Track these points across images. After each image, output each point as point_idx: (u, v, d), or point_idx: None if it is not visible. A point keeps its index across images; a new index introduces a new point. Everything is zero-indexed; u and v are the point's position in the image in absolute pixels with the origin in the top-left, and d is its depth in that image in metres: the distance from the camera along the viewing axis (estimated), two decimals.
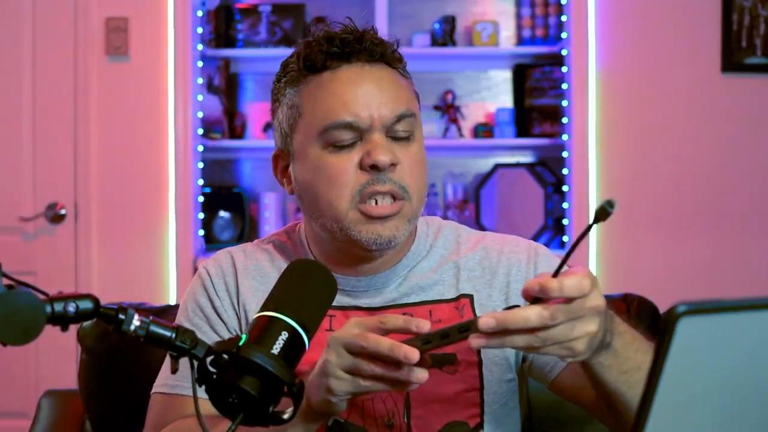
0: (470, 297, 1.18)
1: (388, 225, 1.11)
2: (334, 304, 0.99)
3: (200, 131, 3.20)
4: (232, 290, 1.21)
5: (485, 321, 0.85)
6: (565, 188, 3.14)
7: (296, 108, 1.15)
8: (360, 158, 1.11)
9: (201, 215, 3.19)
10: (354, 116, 1.11)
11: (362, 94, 1.12)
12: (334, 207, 1.12)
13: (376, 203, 1.11)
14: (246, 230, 3.25)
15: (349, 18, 1.17)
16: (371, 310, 1.16)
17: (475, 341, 0.86)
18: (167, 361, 1.21)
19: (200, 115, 3.21)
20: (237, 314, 1.20)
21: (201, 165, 3.22)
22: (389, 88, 1.14)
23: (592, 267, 3.08)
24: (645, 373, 0.92)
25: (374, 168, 1.10)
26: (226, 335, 1.18)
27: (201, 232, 3.18)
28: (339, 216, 1.12)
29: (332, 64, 1.14)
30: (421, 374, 0.93)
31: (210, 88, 3.29)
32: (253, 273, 1.21)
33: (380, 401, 1.13)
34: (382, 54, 1.15)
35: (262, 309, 0.87)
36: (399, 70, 1.18)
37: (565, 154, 3.13)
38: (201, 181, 3.21)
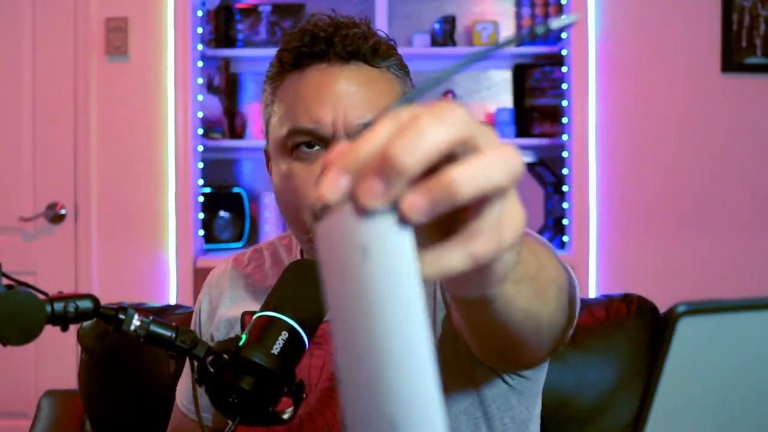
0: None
1: None
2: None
3: (200, 131, 3.20)
4: (215, 301, 1.20)
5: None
6: (565, 188, 3.14)
7: (270, 107, 1.07)
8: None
9: (201, 215, 3.19)
10: (315, 123, 1.00)
11: (327, 98, 1.00)
12: (299, 221, 1.03)
13: None
14: (246, 230, 3.25)
15: (333, 10, 1.06)
16: None
17: (408, 205, 0.42)
18: (186, 369, 1.22)
19: (200, 115, 3.21)
20: (214, 322, 1.19)
21: (201, 165, 3.22)
22: (360, 91, 1.01)
23: (592, 267, 3.09)
24: (556, 284, 0.69)
25: None
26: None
27: (201, 232, 3.18)
28: (304, 230, 1.03)
29: (302, 62, 1.03)
30: None
31: (210, 88, 3.29)
32: (241, 281, 1.20)
33: (319, 414, 1.06)
34: (355, 52, 1.02)
35: (262, 309, 0.86)
36: (383, 69, 1.05)
37: (565, 154, 3.13)
38: (201, 181, 3.21)
